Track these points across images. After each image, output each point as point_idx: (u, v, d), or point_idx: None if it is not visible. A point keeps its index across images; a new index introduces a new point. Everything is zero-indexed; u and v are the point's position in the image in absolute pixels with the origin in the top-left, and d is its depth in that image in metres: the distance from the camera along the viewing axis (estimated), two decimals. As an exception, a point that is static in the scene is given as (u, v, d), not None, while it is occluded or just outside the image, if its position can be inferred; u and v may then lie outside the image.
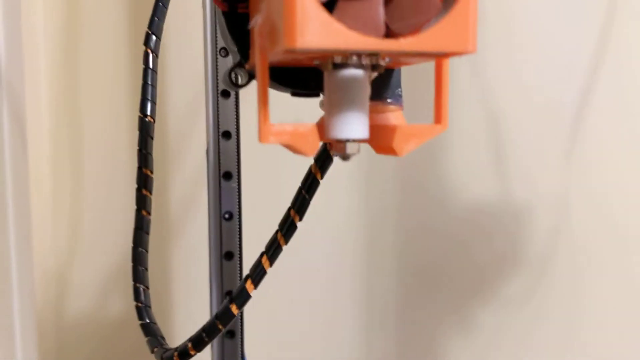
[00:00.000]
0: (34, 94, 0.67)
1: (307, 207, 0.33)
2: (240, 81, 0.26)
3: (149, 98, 0.44)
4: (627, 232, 0.73)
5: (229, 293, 0.57)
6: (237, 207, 0.56)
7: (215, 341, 0.56)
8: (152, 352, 0.41)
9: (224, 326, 0.36)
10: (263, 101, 0.22)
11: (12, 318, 0.57)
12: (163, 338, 0.42)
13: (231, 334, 0.57)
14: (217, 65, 0.54)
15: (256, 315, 0.62)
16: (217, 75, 0.55)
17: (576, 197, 0.72)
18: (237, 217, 0.56)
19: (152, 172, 0.44)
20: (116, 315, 0.75)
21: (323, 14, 0.20)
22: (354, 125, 0.24)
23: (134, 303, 0.43)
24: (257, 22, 0.23)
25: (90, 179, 0.73)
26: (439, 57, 0.23)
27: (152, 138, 0.44)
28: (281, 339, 0.75)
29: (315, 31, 0.19)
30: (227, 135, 0.55)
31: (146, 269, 0.44)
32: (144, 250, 0.43)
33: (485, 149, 0.72)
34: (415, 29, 0.22)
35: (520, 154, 0.72)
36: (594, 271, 0.73)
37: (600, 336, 0.74)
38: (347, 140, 0.24)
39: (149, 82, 0.45)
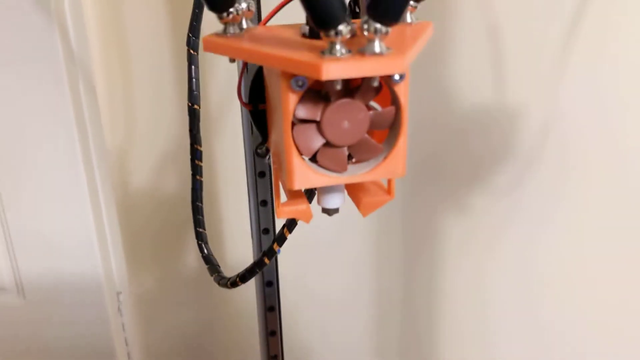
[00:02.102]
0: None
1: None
2: (263, 153, 0.40)
3: (195, 90, 0.57)
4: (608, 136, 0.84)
5: (263, 202, 0.74)
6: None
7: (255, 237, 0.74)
8: (211, 275, 0.59)
9: (269, 260, 0.53)
10: (277, 194, 0.36)
11: (96, 190, 0.76)
12: (219, 266, 0.59)
13: (266, 230, 0.75)
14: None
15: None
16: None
17: (567, 100, 0.83)
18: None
19: (200, 146, 0.58)
20: (169, 188, 0.94)
21: (308, 170, 0.33)
22: (334, 200, 0.38)
23: (196, 241, 0.60)
24: (273, 144, 0.36)
25: (140, 73, 0.87)
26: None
27: (199, 120, 0.58)
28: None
29: (304, 180, 0.33)
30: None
31: (202, 217, 0.60)
32: (200, 205, 0.60)
33: (486, 54, 0.82)
34: (366, 160, 0.35)
35: (517, 59, 0.82)
36: (578, 167, 0.86)
37: (573, 218, 0.89)
38: (330, 209, 0.38)
39: (193, 76, 0.57)
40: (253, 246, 0.76)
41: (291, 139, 0.32)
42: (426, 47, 0.36)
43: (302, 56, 0.29)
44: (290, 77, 0.30)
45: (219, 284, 0.57)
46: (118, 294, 0.71)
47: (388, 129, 0.35)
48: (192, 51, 0.57)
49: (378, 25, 0.29)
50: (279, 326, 0.77)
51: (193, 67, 0.57)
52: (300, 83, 0.31)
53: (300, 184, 0.33)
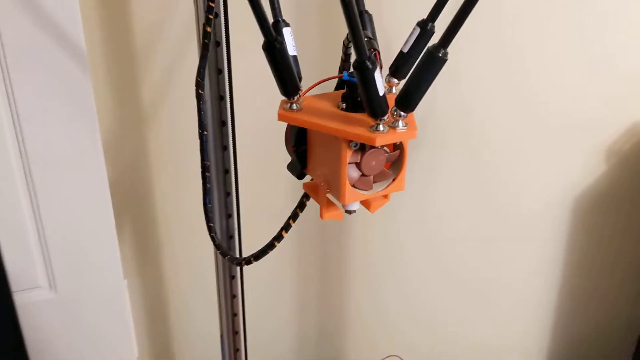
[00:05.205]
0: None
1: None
2: (301, 176, 0.61)
3: (203, 120, 0.75)
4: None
5: (227, 193, 0.93)
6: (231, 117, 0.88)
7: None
8: (224, 257, 0.78)
9: (278, 242, 0.74)
10: (322, 204, 0.58)
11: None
12: (228, 249, 0.79)
13: (229, 215, 0.94)
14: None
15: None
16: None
17: (439, 99, 1.12)
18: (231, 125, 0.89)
19: (209, 161, 0.77)
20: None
21: (354, 190, 0.55)
22: (354, 205, 0.60)
23: (209, 233, 0.79)
24: (320, 174, 0.58)
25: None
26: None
27: (207, 142, 0.76)
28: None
29: (351, 197, 0.55)
30: (219, 71, 0.84)
31: (212, 214, 0.79)
32: (210, 205, 0.78)
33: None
34: (382, 181, 0.58)
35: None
36: (447, 145, 1.16)
37: (447, 178, 1.20)
38: (351, 210, 0.61)
39: (202, 109, 0.74)
40: (220, 230, 0.95)
41: (345, 174, 0.54)
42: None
43: (361, 132, 0.51)
44: (349, 141, 0.52)
45: (232, 263, 0.77)
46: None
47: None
48: (200, 91, 0.74)
49: (402, 113, 0.51)
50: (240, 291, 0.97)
51: (201, 102, 0.75)
52: (354, 144, 0.52)
53: (349, 200, 0.55)
